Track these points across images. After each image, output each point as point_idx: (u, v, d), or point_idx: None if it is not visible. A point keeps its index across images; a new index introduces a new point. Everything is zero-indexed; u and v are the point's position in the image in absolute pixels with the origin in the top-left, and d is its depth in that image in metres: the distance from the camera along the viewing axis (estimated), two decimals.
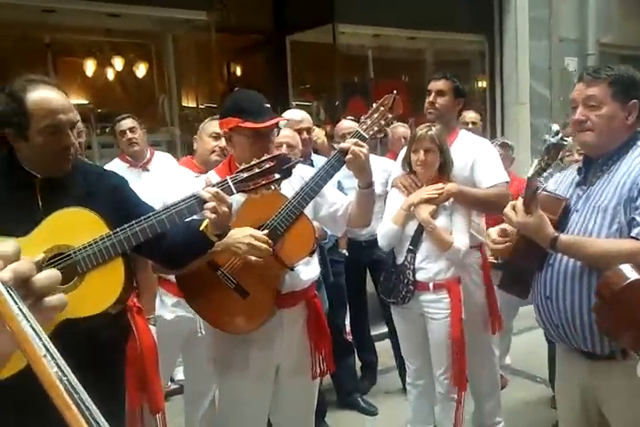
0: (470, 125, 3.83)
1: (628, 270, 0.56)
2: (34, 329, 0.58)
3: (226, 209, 1.73)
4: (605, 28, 6.67)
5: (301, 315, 2.27)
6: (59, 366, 0.57)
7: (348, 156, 2.07)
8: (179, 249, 1.82)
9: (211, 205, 1.71)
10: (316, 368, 2.30)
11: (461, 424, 2.84)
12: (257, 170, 1.78)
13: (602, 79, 1.81)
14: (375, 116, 2.16)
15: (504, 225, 1.97)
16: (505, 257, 2.01)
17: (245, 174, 1.78)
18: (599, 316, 0.56)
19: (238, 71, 7.07)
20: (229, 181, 1.77)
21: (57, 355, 0.57)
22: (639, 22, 7.04)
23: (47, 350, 0.57)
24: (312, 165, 2.91)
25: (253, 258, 1.97)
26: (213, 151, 2.74)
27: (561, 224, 1.85)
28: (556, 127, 1.87)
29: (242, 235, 1.96)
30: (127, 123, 3.77)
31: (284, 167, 1.80)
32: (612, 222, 1.77)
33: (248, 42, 6.65)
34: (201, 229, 1.76)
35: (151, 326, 2.28)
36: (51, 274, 0.64)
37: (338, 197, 2.31)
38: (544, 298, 1.89)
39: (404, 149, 2.95)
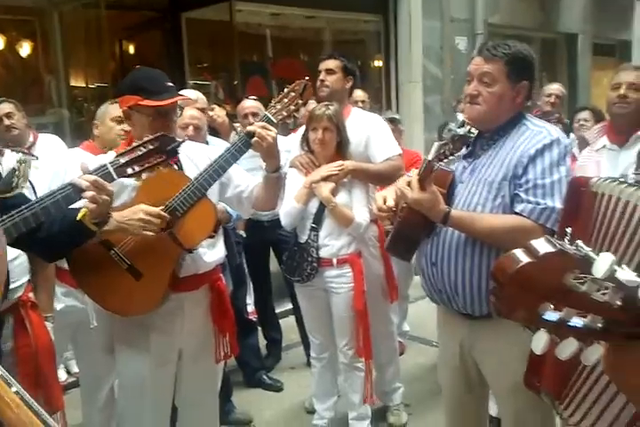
0: (360, 104, 3.91)
1: (520, 255, 0.64)
2: None
3: (106, 197, 1.65)
4: (493, 8, 6.94)
5: (204, 298, 2.25)
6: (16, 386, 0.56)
7: (255, 139, 2.05)
8: (56, 241, 1.73)
9: (89, 194, 1.63)
10: (219, 352, 2.30)
11: (371, 392, 2.95)
12: (139, 153, 1.71)
13: (499, 57, 1.86)
14: (285, 101, 2.16)
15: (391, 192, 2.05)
16: (395, 224, 2.08)
17: (127, 158, 1.70)
18: (495, 297, 0.64)
19: (131, 49, 6.79)
20: (109, 166, 1.70)
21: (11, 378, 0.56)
22: (524, 3, 7.41)
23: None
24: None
25: (145, 232, 1.91)
26: (119, 135, 2.64)
27: (449, 196, 1.94)
28: (461, 117, 1.90)
29: (133, 212, 1.91)
30: (3, 108, 3.49)
31: (168, 148, 1.75)
32: (496, 196, 1.86)
33: (141, 19, 6.39)
34: (78, 218, 1.67)
35: (48, 324, 2.18)
36: None
37: (244, 179, 2.30)
38: (430, 264, 1.99)
39: (302, 128, 3.00)
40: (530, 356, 1.50)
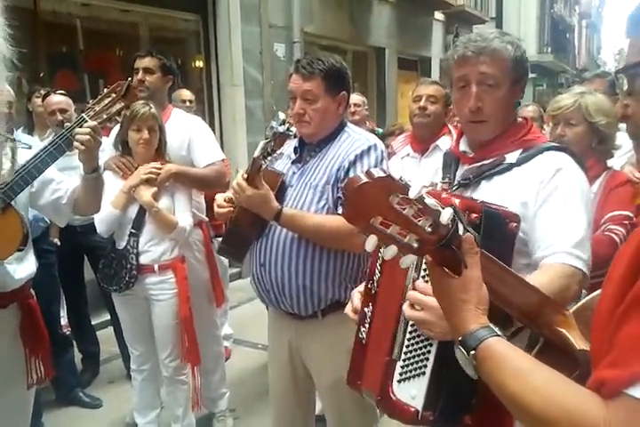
0: (188, 103, 3.86)
1: (363, 177, 0.86)
2: None
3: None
4: (308, 18, 7.20)
5: (13, 318, 2.04)
6: None
7: (77, 144, 1.89)
8: None
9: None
10: (32, 376, 2.09)
11: (197, 400, 2.89)
12: (105, 101, 1.97)
13: (316, 74, 1.96)
14: (106, 102, 2.00)
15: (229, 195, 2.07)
16: (227, 224, 2.10)
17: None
18: (342, 207, 0.83)
19: None
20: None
21: None
22: (335, 15, 7.79)
23: None
24: None
25: None
26: None
27: (278, 197, 2.00)
28: (282, 116, 1.95)
29: None
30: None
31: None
32: (320, 198, 1.97)
33: None
34: None
35: None
36: None
37: (61, 183, 2.11)
38: (258, 266, 2.05)
39: (116, 127, 2.85)
40: (352, 356, 1.57)
